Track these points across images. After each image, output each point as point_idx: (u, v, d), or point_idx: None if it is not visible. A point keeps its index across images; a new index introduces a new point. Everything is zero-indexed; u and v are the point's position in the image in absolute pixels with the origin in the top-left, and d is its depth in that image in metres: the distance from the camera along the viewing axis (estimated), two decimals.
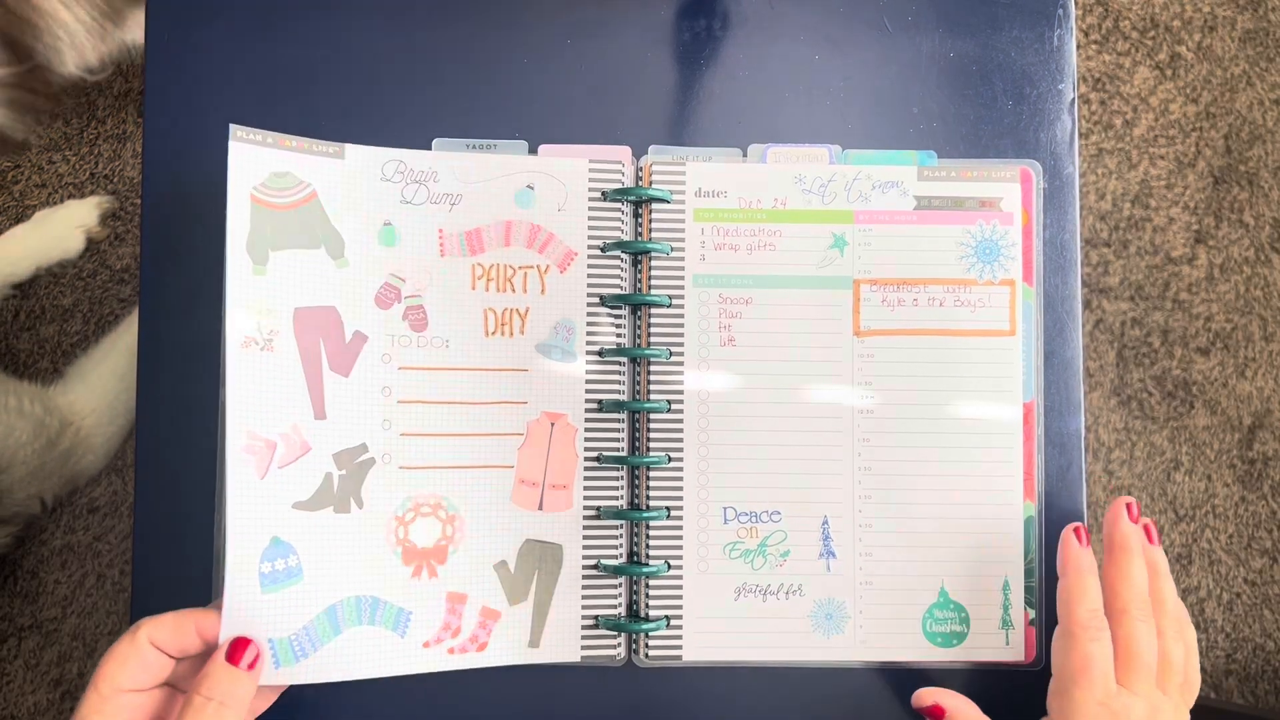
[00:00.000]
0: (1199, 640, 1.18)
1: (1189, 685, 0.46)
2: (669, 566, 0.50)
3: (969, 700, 0.48)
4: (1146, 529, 0.49)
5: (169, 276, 0.51)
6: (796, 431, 0.51)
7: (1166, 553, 1.18)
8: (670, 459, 0.50)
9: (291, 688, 0.47)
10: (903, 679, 0.51)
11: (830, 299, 0.51)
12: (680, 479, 0.50)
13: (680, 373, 0.51)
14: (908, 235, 0.51)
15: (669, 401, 0.50)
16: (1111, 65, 1.22)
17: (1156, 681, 0.45)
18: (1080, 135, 1.19)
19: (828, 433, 0.51)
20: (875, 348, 0.51)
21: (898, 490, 0.50)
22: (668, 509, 0.50)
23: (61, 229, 1.11)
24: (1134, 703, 0.44)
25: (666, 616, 0.50)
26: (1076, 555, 0.48)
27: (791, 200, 0.51)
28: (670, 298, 0.51)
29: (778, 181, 0.51)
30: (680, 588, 0.50)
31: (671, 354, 0.50)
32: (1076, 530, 0.49)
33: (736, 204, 0.51)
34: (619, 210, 0.51)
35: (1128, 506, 0.48)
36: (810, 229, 0.51)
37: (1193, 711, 0.46)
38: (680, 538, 0.50)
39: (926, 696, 0.49)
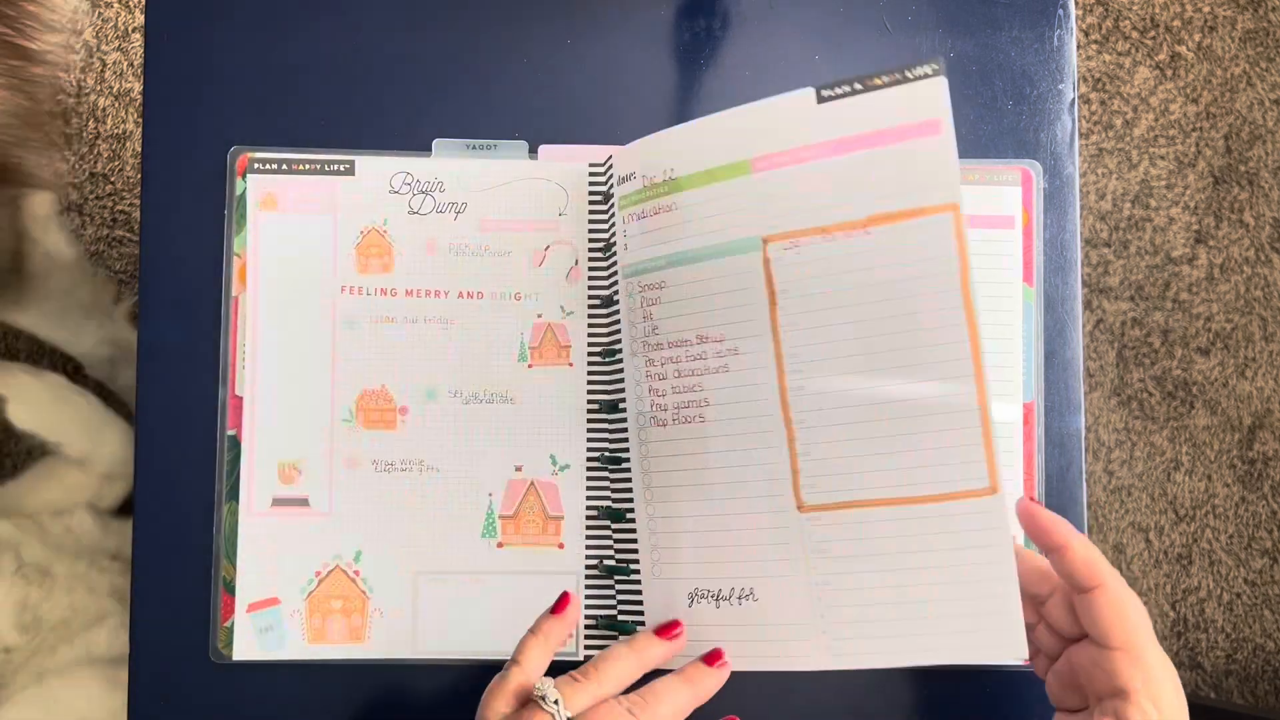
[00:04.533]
0: (1199, 640, 1.18)
1: None
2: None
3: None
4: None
5: (169, 277, 0.51)
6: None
7: (1167, 552, 1.18)
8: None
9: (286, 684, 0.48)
10: (902, 678, 0.51)
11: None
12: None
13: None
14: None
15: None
16: (1111, 65, 1.22)
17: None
18: (1080, 135, 1.19)
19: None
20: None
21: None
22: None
23: None
24: None
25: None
26: (1052, 520, 0.43)
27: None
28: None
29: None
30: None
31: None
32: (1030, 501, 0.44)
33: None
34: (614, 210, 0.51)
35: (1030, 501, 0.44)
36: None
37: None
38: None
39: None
